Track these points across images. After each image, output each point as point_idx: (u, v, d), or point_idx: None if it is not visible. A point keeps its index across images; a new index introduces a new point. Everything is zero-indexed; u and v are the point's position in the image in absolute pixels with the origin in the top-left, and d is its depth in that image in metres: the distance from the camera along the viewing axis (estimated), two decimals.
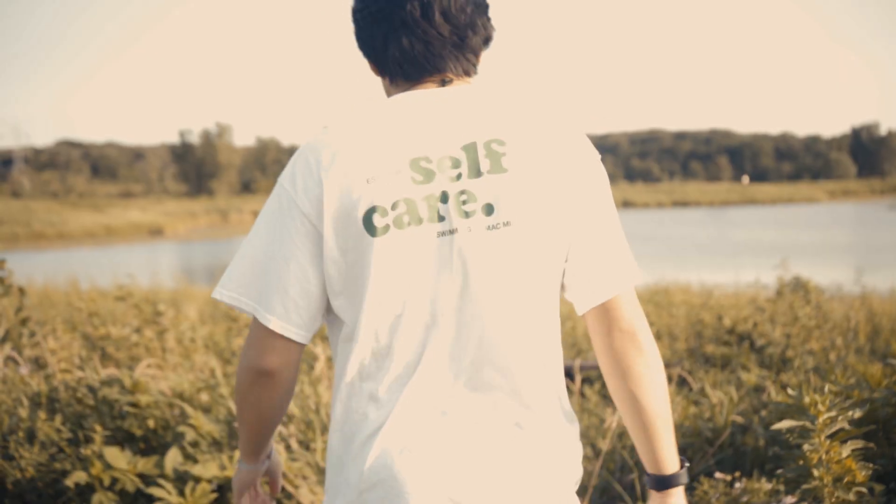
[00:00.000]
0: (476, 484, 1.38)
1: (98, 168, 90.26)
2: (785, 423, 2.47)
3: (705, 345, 6.32)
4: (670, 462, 1.48)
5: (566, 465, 1.47)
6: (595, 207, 1.45)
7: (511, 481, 1.40)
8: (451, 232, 1.39)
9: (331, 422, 1.48)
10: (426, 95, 1.46)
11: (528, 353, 1.42)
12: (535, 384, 1.44)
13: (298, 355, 1.45)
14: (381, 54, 1.49)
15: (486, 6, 1.52)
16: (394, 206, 1.38)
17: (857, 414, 2.43)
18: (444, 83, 1.48)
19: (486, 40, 1.53)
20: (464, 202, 1.39)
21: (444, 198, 1.39)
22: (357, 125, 1.43)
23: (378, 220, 1.37)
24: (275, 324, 1.40)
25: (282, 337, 1.42)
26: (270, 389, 1.45)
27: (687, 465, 1.49)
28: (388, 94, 1.54)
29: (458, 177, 1.40)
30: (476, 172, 1.40)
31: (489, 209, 1.39)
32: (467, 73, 1.51)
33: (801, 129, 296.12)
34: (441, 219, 1.39)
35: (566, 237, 1.43)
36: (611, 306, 1.45)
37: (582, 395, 4.94)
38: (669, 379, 4.89)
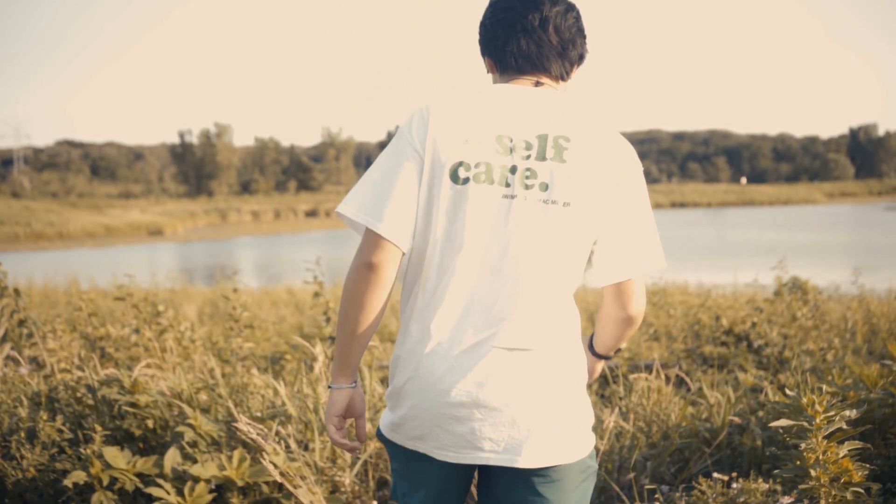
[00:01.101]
0: (495, 384, 1.77)
1: (98, 168, 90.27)
2: (783, 422, 2.49)
3: (703, 345, 6.32)
4: (610, 352, 2.09)
5: (570, 373, 1.85)
6: (627, 204, 1.82)
7: (522, 383, 1.79)
8: (513, 197, 1.77)
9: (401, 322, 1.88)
10: (520, 90, 1.85)
11: (548, 299, 1.79)
12: (550, 323, 1.80)
13: (398, 260, 1.79)
14: (502, 51, 1.90)
15: (584, 34, 1.95)
16: (476, 165, 1.77)
17: (854, 414, 2.44)
18: (537, 84, 1.88)
19: (580, 57, 1.95)
20: (527, 177, 1.77)
21: (514, 170, 1.78)
22: (465, 98, 1.83)
23: (462, 173, 1.77)
24: (382, 229, 1.76)
25: (387, 240, 1.77)
26: (373, 283, 1.78)
27: (614, 354, 2.06)
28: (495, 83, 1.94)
29: (528, 157, 1.78)
30: (542, 157, 1.78)
31: (544, 187, 1.77)
32: (562, 77, 1.92)
33: (799, 130, 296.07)
34: (507, 185, 1.77)
35: (598, 223, 1.81)
36: (623, 288, 1.87)
37: None
38: (668, 379, 4.89)
